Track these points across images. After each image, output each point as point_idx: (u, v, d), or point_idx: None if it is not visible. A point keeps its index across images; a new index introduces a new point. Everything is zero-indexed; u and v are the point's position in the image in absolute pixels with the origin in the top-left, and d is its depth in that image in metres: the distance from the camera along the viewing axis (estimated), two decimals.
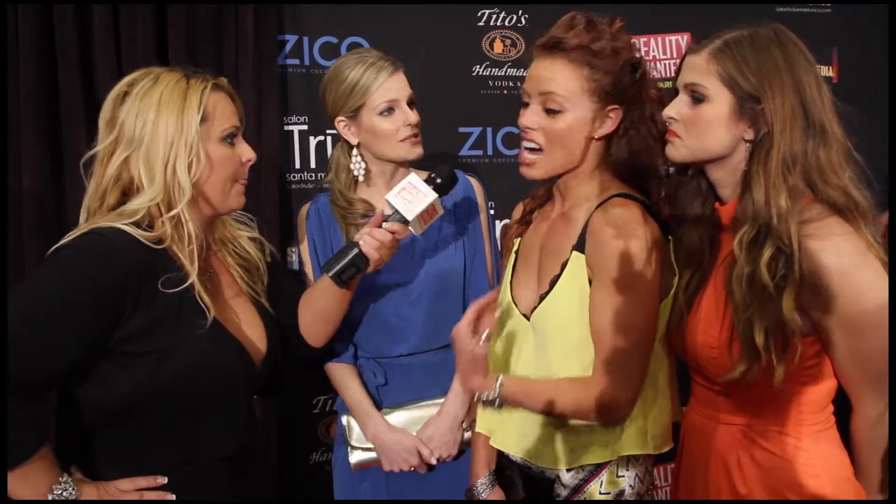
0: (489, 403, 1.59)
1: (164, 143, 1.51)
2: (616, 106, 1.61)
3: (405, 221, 1.78)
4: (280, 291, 1.85)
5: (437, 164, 2.23)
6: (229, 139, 1.61)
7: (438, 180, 1.80)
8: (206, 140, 1.56)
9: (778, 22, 3.10)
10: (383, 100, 1.97)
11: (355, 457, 2.07)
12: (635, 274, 1.53)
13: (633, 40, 1.64)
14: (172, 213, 1.52)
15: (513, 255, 1.81)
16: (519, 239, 1.82)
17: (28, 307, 1.40)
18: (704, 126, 1.49)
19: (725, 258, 1.54)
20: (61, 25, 2.35)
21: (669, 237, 1.64)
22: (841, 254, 1.40)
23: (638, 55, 1.64)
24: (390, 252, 1.79)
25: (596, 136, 1.63)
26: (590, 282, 1.58)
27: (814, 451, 1.51)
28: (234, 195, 1.64)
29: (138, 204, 1.52)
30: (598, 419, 1.58)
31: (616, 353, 1.54)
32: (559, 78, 1.60)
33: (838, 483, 1.51)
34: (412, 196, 1.77)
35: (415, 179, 1.79)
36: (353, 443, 2.06)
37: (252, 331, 1.69)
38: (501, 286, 1.80)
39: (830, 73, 3.14)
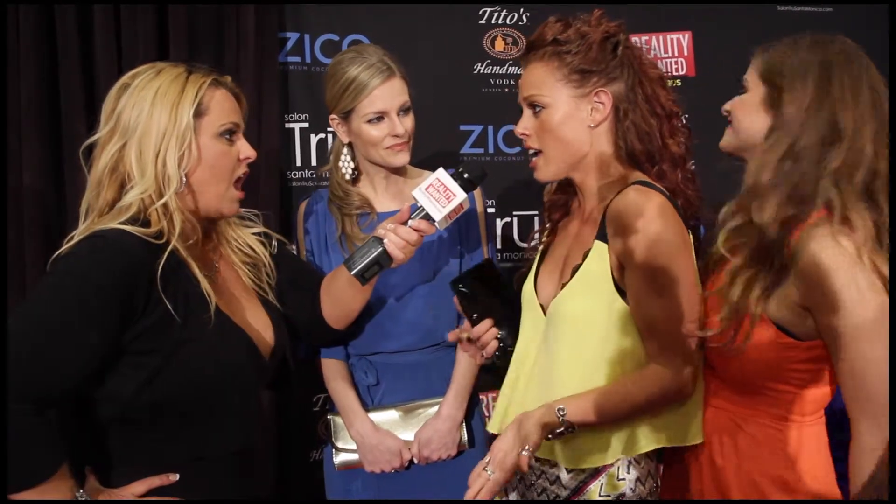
0: (560, 435, 1.56)
1: (156, 133, 1.51)
2: (601, 87, 1.60)
3: (431, 219, 1.71)
4: (293, 279, 1.85)
5: (438, 162, 2.24)
6: (227, 135, 1.59)
7: (466, 175, 1.71)
8: (201, 134, 1.55)
9: (779, 22, 3.12)
10: (371, 109, 1.95)
11: (340, 458, 2.07)
12: (669, 255, 1.51)
13: (615, 24, 1.62)
14: (161, 201, 1.51)
15: (539, 252, 1.81)
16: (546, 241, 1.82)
17: (40, 317, 1.38)
18: None
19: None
20: (62, 23, 2.35)
21: (690, 231, 1.62)
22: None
23: (614, 31, 1.61)
24: (415, 249, 1.74)
25: (592, 125, 1.62)
26: (612, 273, 1.57)
27: (794, 445, 1.53)
28: (229, 201, 1.62)
29: (132, 196, 1.51)
30: (668, 405, 1.57)
31: (670, 338, 1.53)
32: (534, 78, 1.63)
33: (817, 480, 1.53)
34: (439, 194, 1.68)
35: (443, 176, 1.69)
36: (339, 444, 2.06)
37: (259, 324, 1.69)
38: (525, 280, 1.79)
39: None
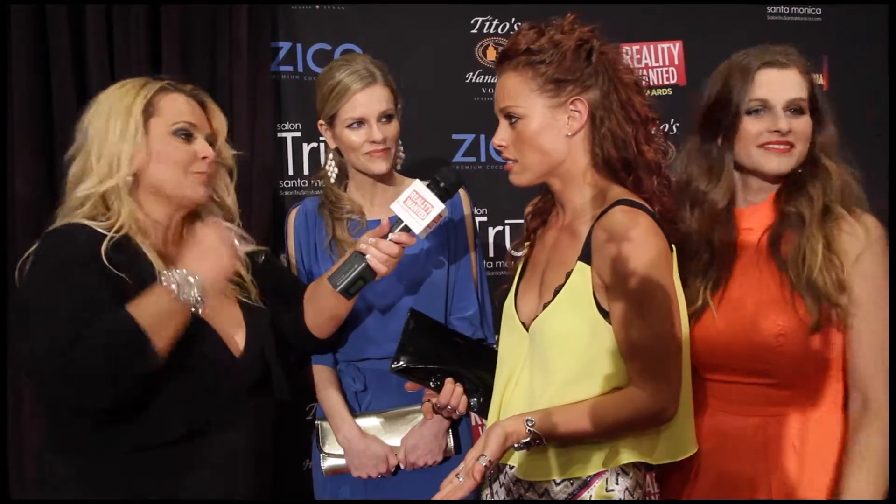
0: (529, 446, 1.55)
1: (111, 137, 1.62)
2: (577, 96, 1.59)
3: (411, 231, 1.74)
4: (277, 289, 1.88)
5: (431, 170, 2.24)
6: (182, 133, 1.67)
7: (442, 184, 1.74)
8: (152, 133, 1.65)
9: (768, 29, 3.14)
10: (351, 114, 1.98)
11: (327, 463, 2.08)
12: (654, 280, 1.52)
13: (588, 29, 1.60)
14: (111, 182, 1.61)
15: (520, 266, 1.80)
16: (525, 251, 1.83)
17: (26, 310, 1.50)
18: (804, 137, 1.67)
19: (753, 256, 1.68)
20: (55, 31, 2.36)
21: (672, 246, 1.62)
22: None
23: (588, 37, 1.60)
24: (397, 262, 1.77)
25: (569, 134, 1.61)
26: (594, 295, 1.57)
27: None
28: (191, 184, 1.68)
29: (83, 189, 1.62)
30: (645, 429, 1.58)
31: (652, 362, 1.54)
32: (509, 89, 1.62)
33: None
34: (417, 206, 1.71)
35: (420, 187, 1.72)
36: (326, 449, 2.08)
37: (229, 321, 1.71)
38: (507, 296, 1.79)
39: (821, 81, 3.16)
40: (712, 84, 1.73)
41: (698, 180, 1.74)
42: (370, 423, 2.06)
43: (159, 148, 1.64)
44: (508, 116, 1.63)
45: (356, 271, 1.73)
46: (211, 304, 1.67)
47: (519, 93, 1.60)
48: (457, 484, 1.49)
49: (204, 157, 1.69)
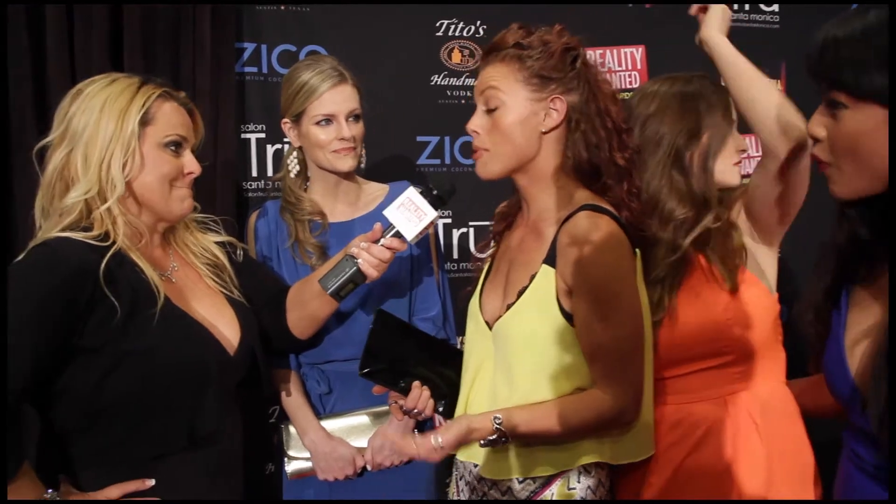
0: (495, 443, 1.57)
1: (102, 139, 1.56)
2: (557, 95, 1.62)
3: (403, 237, 1.76)
4: (258, 288, 1.88)
5: (395, 172, 2.25)
6: (172, 146, 1.63)
7: (435, 192, 1.76)
8: (145, 142, 1.60)
9: (729, 35, 3.16)
10: (321, 111, 2.00)
11: (292, 466, 2.08)
12: (616, 283, 1.55)
13: (575, 39, 1.66)
14: (105, 206, 1.56)
15: (486, 266, 1.83)
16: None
17: None
18: None
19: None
20: (13, 33, 2.31)
21: (636, 250, 1.64)
22: None
23: (574, 44, 1.65)
24: (387, 266, 1.78)
25: (544, 130, 1.63)
26: (557, 298, 1.59)
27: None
28: (177, 200, 1.66)
29: (73, 198, 1.55)
30: (608, 430, 1.60)
31: (613, 365, 1.56)
32: (495, 75, 1.64)
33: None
34: (410, 213, 1.73)
35: (413, 195, 1.74)
36: (291, 452, 2.08)
37: (222, 320, 1.71)
38: (472, 296, 1.81)
39: (779, 87, 3.22)
40: (674, 112, 1.77)
41: (670, 203, 1.76)
42: (335, 424, 2.06)
43: (149, 159, 1.60)
44: (487, 104, 1.64)
45: (347, 275, 1.76)
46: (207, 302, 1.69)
47: (505, 77, 1.63)
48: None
49: (189, 173, 1.66)
